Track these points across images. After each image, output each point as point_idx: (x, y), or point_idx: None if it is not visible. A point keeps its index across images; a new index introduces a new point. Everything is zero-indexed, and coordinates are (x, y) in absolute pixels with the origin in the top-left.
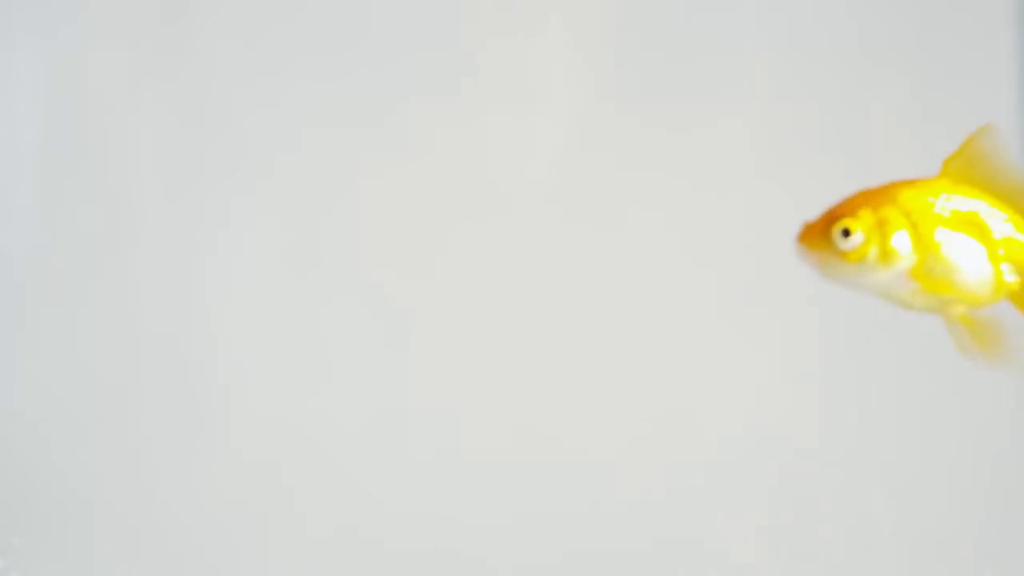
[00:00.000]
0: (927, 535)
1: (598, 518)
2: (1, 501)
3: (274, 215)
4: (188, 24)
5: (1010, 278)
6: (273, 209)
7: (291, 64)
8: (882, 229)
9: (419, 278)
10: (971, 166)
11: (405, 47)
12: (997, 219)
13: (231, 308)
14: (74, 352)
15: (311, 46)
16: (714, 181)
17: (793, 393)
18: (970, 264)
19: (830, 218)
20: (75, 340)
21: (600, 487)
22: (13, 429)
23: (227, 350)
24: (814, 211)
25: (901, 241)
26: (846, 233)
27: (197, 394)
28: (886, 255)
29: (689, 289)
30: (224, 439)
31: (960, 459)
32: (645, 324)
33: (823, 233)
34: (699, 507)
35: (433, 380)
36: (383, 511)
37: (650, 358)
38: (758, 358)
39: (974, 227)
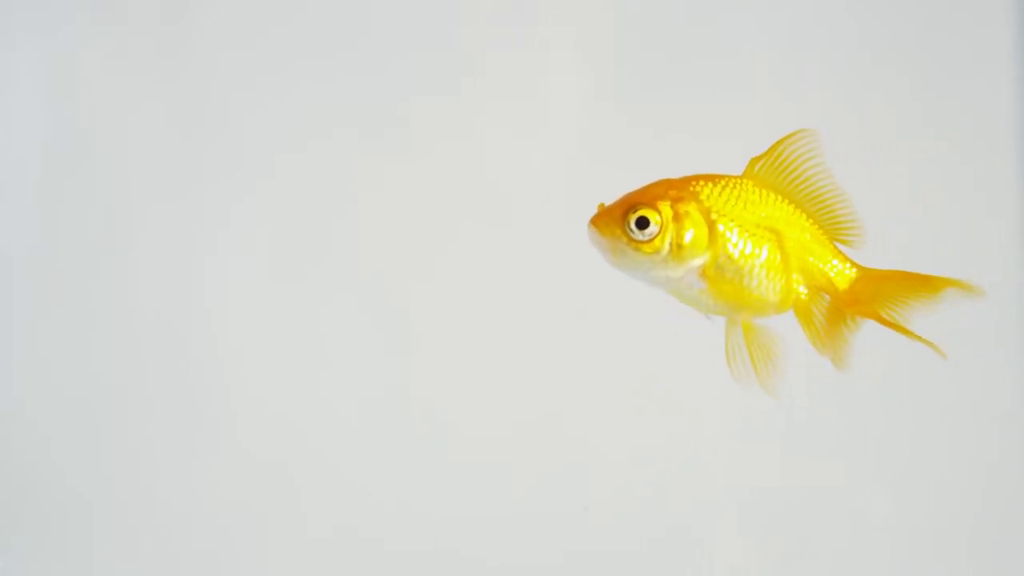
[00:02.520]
0: (924, 534)
1: (598, 518)
2: (1, 501)
3: (274, 215)
4: (188, 24)
5: (799, 288)
6: (273, 209)
7: (291, 64)
8: (679, 223)
9: (419, 278)
10: (777, 169)
11: (405, 47)
12: (796, 227)
13: (231, 308)
14: (74, 352)
15: (311, 46)
16: None
17: (792, 392)
18: (762, 270)
19: (627, 205)
20: (75, 340)
21: (599, 487)
22: (13, 429)
23: (227, 350)
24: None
25: (696, 238)
26: (643, 223)
27: (197, 394)
28: (680, 250)
29: None
30: (224, 439)
31: (959, 459)
32: (644, 324)
33: (619, 220)
34: (699, 507)
35: (433, 381)
36: (383, 511)
37: (649, 358)
38: None
39: (772, 233)
